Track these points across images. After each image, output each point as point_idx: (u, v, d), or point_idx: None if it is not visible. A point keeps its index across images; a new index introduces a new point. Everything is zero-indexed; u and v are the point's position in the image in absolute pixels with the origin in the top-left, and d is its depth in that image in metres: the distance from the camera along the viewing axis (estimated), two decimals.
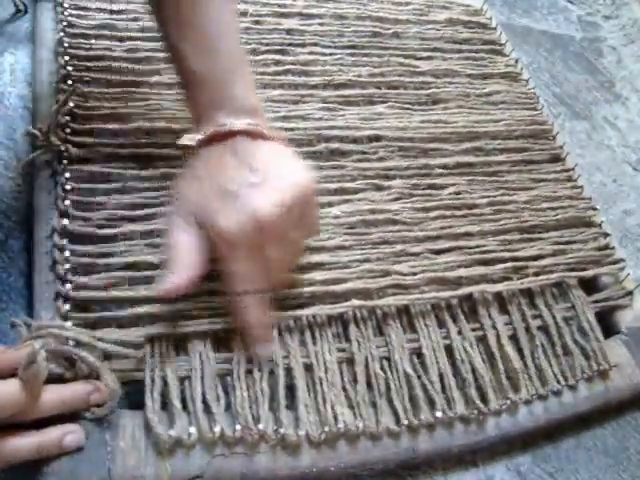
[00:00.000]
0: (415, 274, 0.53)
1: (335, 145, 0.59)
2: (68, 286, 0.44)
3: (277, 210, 0.43)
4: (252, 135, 0.45)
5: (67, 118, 0.51)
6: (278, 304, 0.48)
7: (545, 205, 0.62)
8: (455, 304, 0.53)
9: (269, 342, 0.46)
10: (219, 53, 0.47)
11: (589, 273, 0.59)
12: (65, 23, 0.58)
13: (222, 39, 0.47)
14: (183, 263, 0.42)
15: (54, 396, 0.39)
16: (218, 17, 0.47)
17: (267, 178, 0.44)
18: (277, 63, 0.63)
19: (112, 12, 0.61)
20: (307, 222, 0.47)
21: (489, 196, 0.61)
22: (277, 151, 0.46)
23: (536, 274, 0.57)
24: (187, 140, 0.48)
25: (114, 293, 0.45)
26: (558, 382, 0.52)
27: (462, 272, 0.54)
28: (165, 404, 0.42)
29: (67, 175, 0.49)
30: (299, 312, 0.48)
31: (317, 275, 0.50)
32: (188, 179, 0.45)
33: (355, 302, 0.49)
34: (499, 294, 0.55)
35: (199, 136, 0.46)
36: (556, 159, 0.68)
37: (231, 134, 0.45)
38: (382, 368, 0.48)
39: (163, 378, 0.43)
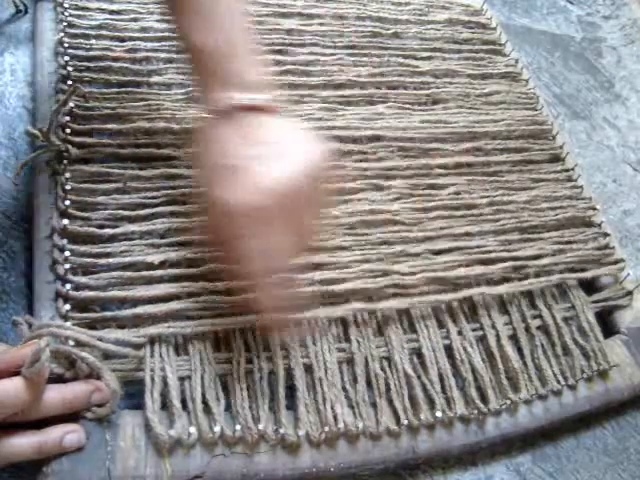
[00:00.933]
0: (415, 274, 0.53)
1: (335, 145, 0.59)
2: (68, 286, 0.44)
3: (285, 182, 0.41)
4: (256, 110, 0.44)
5: (67, 118, 0.51)
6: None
7: (545, 205, 0.62)
8: (455, 304, 0.53)
9: (285, 326, 0.45)
10: (223, 29, 0.46)
11: (589, 273, 0.59)
12: (65, 23, 0.58)
13: (227, 17, 0.46)
14: None
15: (55, 395, 0.39)
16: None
17: (273, 151, 0.42)
18: (277, 63, 0.63)
19: (112, 12, 0.61)
20: (319, 198, 0.45)
21: (489, 196, 0.61)
22: (284, 125, 0.45)
23: (536, 274, 0.57)
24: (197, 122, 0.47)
25: (114, 293, 0.45)
26: (558, 382, 0.52)
27: (462, 272, 0.54)
28: (165, 404, 0.42)
29: (67, 175, 0.49)
30: (299, 315, 0.48)
31: (316, 275, 0.50)
32: (199, 160, 0.45)
33: (356, 305, 0.49)
34: (499, 295, 0.55)
35: (205, 112, 0.45)
36: (556, 159, 0.68)
37: (237, 109, 0.44)
38: (382, 368, 0.48)
39: (163, 378, 0.43)
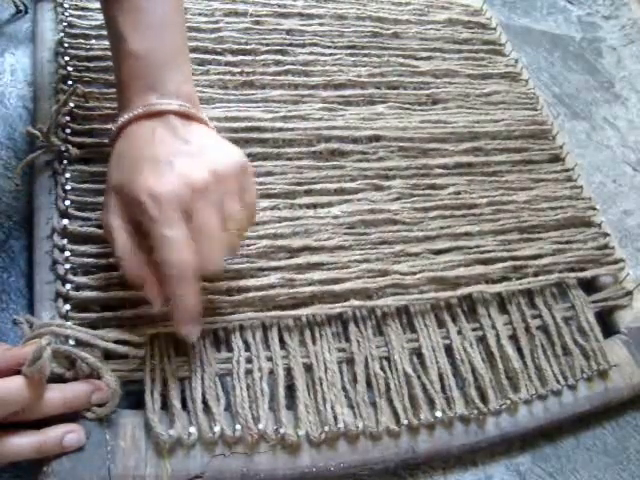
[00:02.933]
0: (414, 274, 0.53)
1: (335, 145, 0.59)
2: (68, 286, 0.44)
3: (210, 177, 0.41)
4: (185, 116, 0.45)
5: (67, 118, 0.52)
6: (273, 304, 0.48)
7: (545, 205, 0.62)
8: (455, 303, 0.53)
9: (195, 323, 0.42)
10: (161, 38, 0.46)
11: (588, 273, 0.59)
12: (65, 23, 0.58)
13: (166, 26, 0.47)
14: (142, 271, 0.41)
15: (56, 395, 0.39)
16: (164, 6, 0.47)
17: (202, 151, 0.43)
18: (277, 63, 0.63)
19: None
20: (243, 199, 0.44)
21: (489, 196, 0.61)
22: (210, 133, 0.46)
23: (535, 274, 0.57)
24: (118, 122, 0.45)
25: (114, 293, 0.45)
26: (558, 382, 0.52)
27: (461, 272, 0.54)
28: (165, 404, 0.42)
29: (67, 175, 0.49)
30: (298, 312, 0.48)
31: (316, 275, 0.50)
32: (115, 161, 0.44)
33: (354, 302, 0.49)
34: (499, 294, 0.55)
35: (129, 114, 0.44)
36: (556, 159, 0.68)
37: (164, 113, 0.44)
38: (382, 368, 0.48)
39: (163, 378, 0.43)
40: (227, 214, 0.42)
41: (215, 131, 0.46)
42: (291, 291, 0.49)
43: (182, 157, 0.42)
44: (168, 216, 0.39)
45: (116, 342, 0.43)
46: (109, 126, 0.46)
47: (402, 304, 0.51)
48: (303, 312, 0.48)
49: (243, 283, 0.48)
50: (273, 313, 0.47)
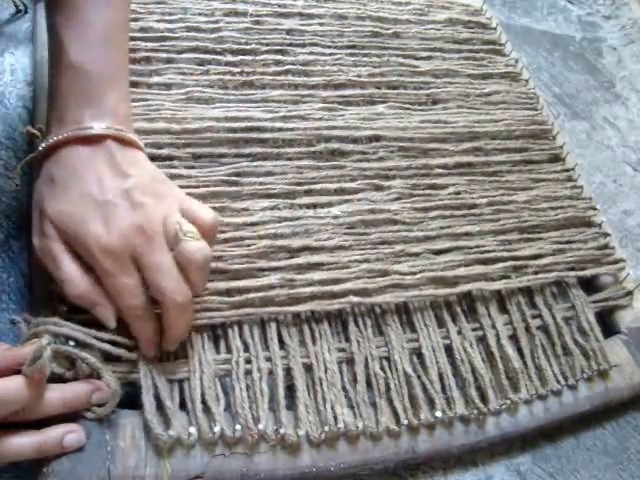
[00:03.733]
0: (415, 274, 0.53)
1: (335, 145, 0.59)
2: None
3: (154, 221, 0.42)
4: (121, 141, 0.44)
5: None
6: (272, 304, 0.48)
7: (545, 205, 0.62)
8: (454, 301, 0.53)
9: (154, 347, 0.43)
10: (103, 54, 0.45)
11: (588, 272, 0.59)
12: None
13: (109, 42, 0.46)
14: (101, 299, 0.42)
15: (56, 395, 0.39)
16: (110, 17, 0.46)
17: (142, 189, 0.42)
18: (277, 63, 0.63)
19: None
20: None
21: (489, 196, 0.61)
22: (145, 162, 0.45)
23: (535, 273, 0.57)
24: (47, 140, 0.44)
25: None
26: (558, 382, 0.52)
27: (461, 271, 0.54)
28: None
29: None
30: (296, 308, 0.48)
31: (316, 275, 0.50)
32: (46, 185, 0.43)
33: (353, 299, 0.49)
34: (498, 292, 0.55)
35: (62, 134, 0.43)
36: (556, 159, 0.68)
37: (100, 138, 0.43)
38: (382, 368, 0.48)
39: (160, 379, 0.43)
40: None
41: (146, 155, 0.46)
42: (291, 291, 0.49)
43: (124, 198, 0.42)
44: (122, 267, 0.41)
45: (113, 343, 0.42)
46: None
47: (401, 301, 0.51)
48: (302, 308, 0.48)
49: (243, 284, 0.48)
50: (271, 309, 0.47)
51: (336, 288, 0.50)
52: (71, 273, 0.41)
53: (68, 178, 0.42)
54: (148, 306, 0.42)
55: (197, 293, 0.45)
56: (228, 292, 0.48)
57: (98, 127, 0.43)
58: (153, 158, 0.52)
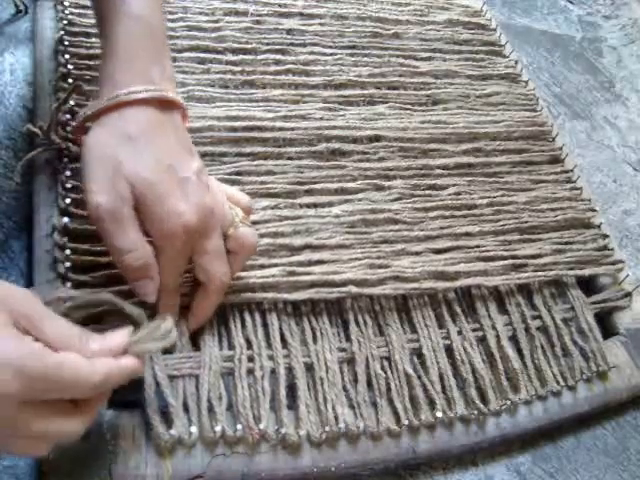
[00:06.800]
0: (415, 268, 0.53)
1: (336, 145, 0.59)
2: (69, 284, 0.44)
3: (223, 202, 0.43)
4: (184, 114, 0.44)
5: (67, 116, 0.51)
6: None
7: (544, 206, 0.62)
8: (453, 298, 0.53)
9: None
10: (159, 8, 0.46)
11: (587, 271, 0.59)
12: (65, 21, 0.58)
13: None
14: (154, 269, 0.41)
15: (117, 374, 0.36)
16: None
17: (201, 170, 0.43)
18: (278, 63, 0.63)
19: None
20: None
21: (489, 197, 0.61)
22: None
23: (534, 271, 0.57)
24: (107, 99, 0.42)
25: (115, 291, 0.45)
26: (557, 383, 0.52)
27: (461, 267, 0.54)
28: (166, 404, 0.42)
29: (67, 173, 0.49)
30: (296, 295, 0.48)
31: (316, 269, 0.50)
32: (123, 143, 0.40)
33: (353, 289, 0.49)
34: (497, 291, 0.55)
35: (143, 87, 0.41)
36: (555, 160, 0.68)
37: (172, 104, 0.43)
38: (383, 368, 0.48)
39: (163, 377, 0.43)
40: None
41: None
42: (291, 279, 0.49)
43: (198, 178, 0.42)
44: (186, 246, 0.41)
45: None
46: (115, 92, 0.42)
47: (400, 293, 0.51)
48: (301, 296, 0.48)
49: (244, 274, 0.48)
50: (271, 295, 0.47)
51: (336, 278, 0.50)
52: (137, 243, 0.40)
53: (144, 141, 0.41)
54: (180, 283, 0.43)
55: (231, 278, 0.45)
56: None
57: (170, 91, 0.42)
58: None
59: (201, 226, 0.41)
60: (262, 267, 0.49)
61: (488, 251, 0.57)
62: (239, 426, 0.42)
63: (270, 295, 0.48)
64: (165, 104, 0.43)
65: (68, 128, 0.51)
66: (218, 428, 0.41)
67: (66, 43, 0.56)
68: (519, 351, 0.53)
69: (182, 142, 0.43)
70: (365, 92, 0.64)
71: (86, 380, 0.33)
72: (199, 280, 0.44)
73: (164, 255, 0.41)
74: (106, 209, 0.39)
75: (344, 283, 0.50)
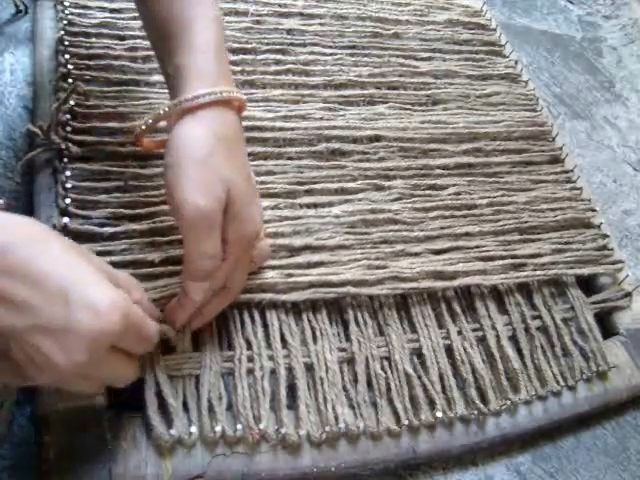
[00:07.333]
0: (413, 269, 0.53)
1: (336, 145, 0.59)
2: None
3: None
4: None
5: (67, 116, 0.51)
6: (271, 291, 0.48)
7: (544, 206, 0.62)
8: (452, 297, 0.53)
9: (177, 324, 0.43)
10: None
11: (586, 271, 0.59)
12: (66, 22, 0.58)
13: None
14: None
15: None
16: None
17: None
18: (278, 63, 0.63)
19: (112, 11, 0.61)
20: None
21: (489, 197, 0.61)
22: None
23: (534, 270, 0.57)
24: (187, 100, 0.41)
25: None
26: (557, 383, 0.52)
27: (460, 267, 0.54)
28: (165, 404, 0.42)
29: (67, 173, 0.49)
30: (295, 295, 0.48)
31: (314, 271, 0.50)
32: (217, 144, 0.40)
33: (351, 289, 0.49)
34: (497, 290, 0.55)
35: (227, 87, 0.41)
36: (555, 160, 0.68)
37: (242, 107, 0.43)
38: (383, 368, 0.48)
39: (163, 376, 0.43)
40: None
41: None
42: (289, 280, 0.49)
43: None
44: (246, 251, 0.43)
45: None
46: (163, 111, 0.42)
47: (398, 293, 0.51)
48: (299, 296, 0.48)
49: None
50: (270, 295, 0.47)
51: (335, 278, 0.50)
52: (219, 249, 0.40)
53: (234, 144, 0.41)
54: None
55: None
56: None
57: (239, 94, 0.42)
58: (154, 156, 0.52)
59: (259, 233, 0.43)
60: (262, 268, 0.49)
61: (488, 251, 0.57)
62: (239, 426, 0.42)
63: (268, 296, 0.48)
64: (241, 107, 0.43)
65: (68, 128, 0.51)
66: (218, 428, 0.41)
67: (66, 43, 0.56)
68: (519, 351, 0.53)
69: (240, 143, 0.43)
70: (365, 92, 0.64)
71: (154, 336, 0.38)
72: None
73: (231, 258, 0.41)
74: (204, 212, 0.38)
75: (342, 284, 0.50)
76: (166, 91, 0.56)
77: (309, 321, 0.48)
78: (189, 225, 0.39)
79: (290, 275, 0.49)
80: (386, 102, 0.65)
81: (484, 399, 0.49)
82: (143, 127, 0.43)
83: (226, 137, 0.40)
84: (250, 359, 0.45)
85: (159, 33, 0.45)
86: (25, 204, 0.50)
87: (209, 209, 0.38)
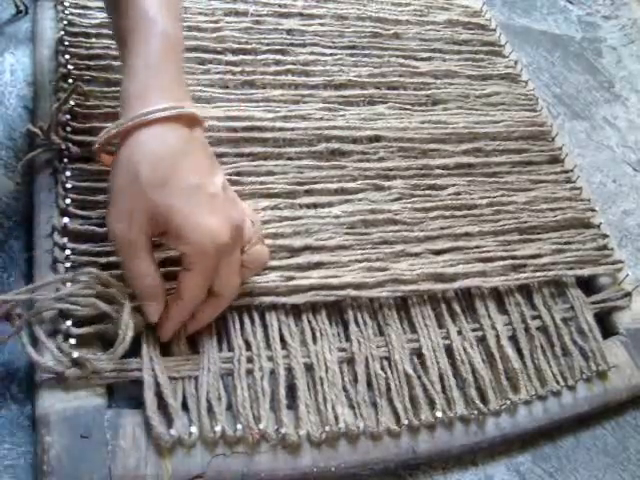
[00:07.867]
0: (413, 270, 0.53)
1: (335, 145, 0.59)
2: (69, 284, 0.44)
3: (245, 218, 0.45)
4: (203, 127, 0.44)
5: (67, 116, 0.51)
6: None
7: (544, 206, 0.62)
8: (452, 297, 0.53)
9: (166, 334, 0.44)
10: (179, 26, 0.46)
11: (586, 271, 0.59)
12: (66, 22, 0.58)
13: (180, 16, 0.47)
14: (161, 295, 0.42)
15: None
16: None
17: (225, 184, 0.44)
18: (277, 63, 0.63)
19: None
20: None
21: (489, 197, 0.61)
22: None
23: (534, 271, 0.57)
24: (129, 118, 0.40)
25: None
26: (557, 383, 0.52)
27: (460, 268, 0.54)
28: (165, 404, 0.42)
29: (67, 173, 0.49)
30: (295, 298, 0.48)
31: (314, 273, 0.50)
32: (149, 168, 0.39)
33: (351, 292, 0.49)
34: (497, 291, 0.55)
35: (168, 105, 0.41)
36: (555, 160, 0.68)
37: (196, 121, 0.43)
38: (382, 368, 0.48)
39: (162, 377, 0.43)
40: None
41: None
42: (289, 283, 0.49)
43: (225, 193, 0.43)
44: (214, 264, 0.42)
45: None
46: (111, 132, 0.42)
47: (398, 295, 0.51)
48: (299, 299, 0.48)
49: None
50: (270, 298, 0.47)
51: (335, 281, 0.50)
52: (147, 269, 0.41)
53: (172, 163, 0.40)
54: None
55: None
56: None
57: (192, 107, 0.42)
58: None
59: (231, 241, 0.41)
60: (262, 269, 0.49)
61: (488, 251, 0.57)
62: (239, 426, 0.42)
63: (269, 299, 0.48)
64: (191, 121, 0.43)
65: (68, 128, 0.51)
66: (218, 428, 0.41)
67: (66, 43, 0.56)
68: (519, 351, 0.53)
69: (208, 158, 0.43)
70: (365, 92, 0.64)
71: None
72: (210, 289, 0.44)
73: (194, 272, 0.41)
74: (121, 237, 0.40)
75: (343, 286, 0.50)
76: None
77: (309, 322, 0.48)
78: (116, 249, 0.42)
79: (290, 278, 0.49)
80: (386, 102, 0.65)
81: (484, 399, 0.49)
82: (97, 146, 0.44)
83: (165, 156, 0.40)
84: (249, 360, 0.45)
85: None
86: (25, 204, 0.50)
87: (125, 236, 0.40)
